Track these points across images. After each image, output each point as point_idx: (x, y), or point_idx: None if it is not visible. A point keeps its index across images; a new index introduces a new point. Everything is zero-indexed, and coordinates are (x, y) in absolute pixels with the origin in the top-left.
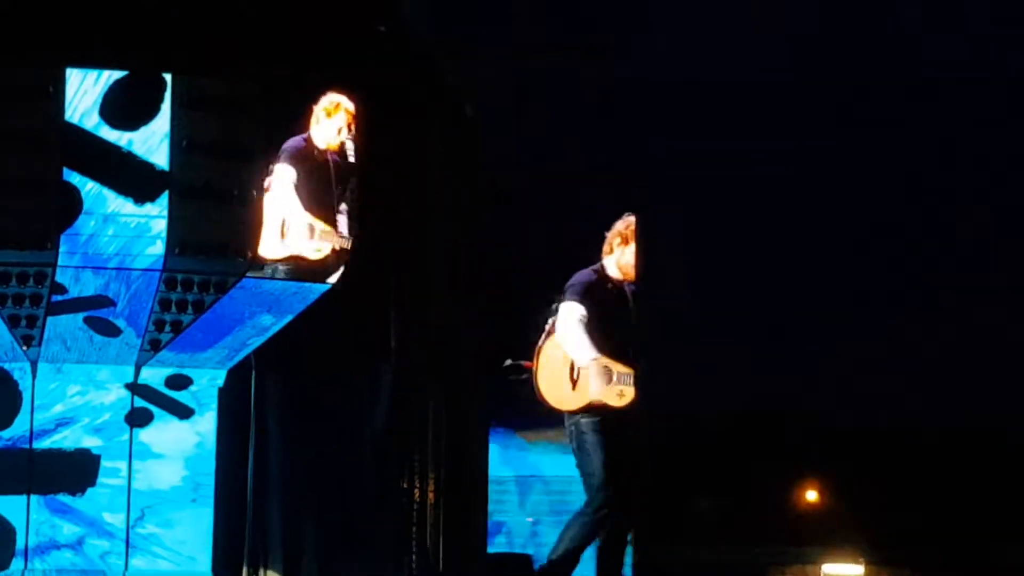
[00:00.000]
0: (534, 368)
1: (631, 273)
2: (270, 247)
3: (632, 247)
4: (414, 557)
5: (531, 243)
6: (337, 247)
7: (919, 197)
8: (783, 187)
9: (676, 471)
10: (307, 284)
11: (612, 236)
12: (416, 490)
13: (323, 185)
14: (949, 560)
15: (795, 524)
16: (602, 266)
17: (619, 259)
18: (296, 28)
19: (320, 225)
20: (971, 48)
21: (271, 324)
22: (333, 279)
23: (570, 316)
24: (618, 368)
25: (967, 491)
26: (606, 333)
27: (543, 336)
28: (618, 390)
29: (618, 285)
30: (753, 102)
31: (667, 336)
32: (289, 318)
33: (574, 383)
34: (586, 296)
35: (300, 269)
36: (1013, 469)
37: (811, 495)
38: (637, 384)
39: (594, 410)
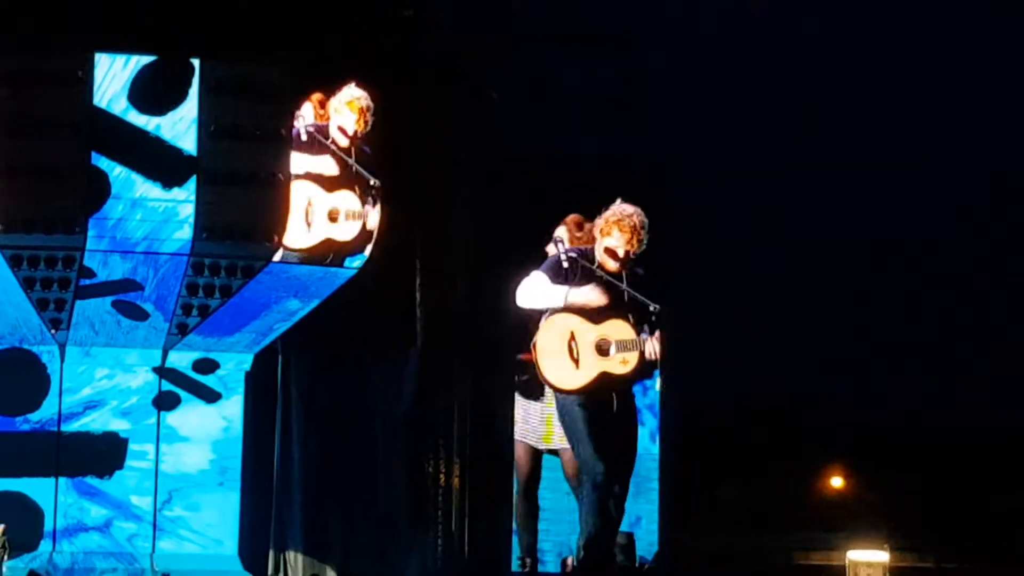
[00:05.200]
0: (533, 359)
1: (611, 259)
2: (297, 236)
3: (615, 234)
4: (439, 540)
5: (550, 229)
6: (364, 223)
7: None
8: (812, 187)
9: (706, 460)
10: (333, 269)
11: (599, 225)
12: (442, 474)
13: (343, 172)
14: (973, 548)
15: (821, 511)
16: (584, 251)
17: (603, 245)
18: (321, 13)
19: (345, 207)
20: None
21: (298, 308)
22: (358, 263)
23: (532, 280)
24: (616, 337)
25: (991, 481)
26: (593, 314)
27: (538, 328)
28: (620, 358)
29: (603, 269)
30: (776, 100)
31: (699, 331)
32: (316, 302)
33: (576, 361)
34: (554, 272)
35: (328, 252)
36: None
37: (837, 483)
38: (638, 347)
39: (600, 385)
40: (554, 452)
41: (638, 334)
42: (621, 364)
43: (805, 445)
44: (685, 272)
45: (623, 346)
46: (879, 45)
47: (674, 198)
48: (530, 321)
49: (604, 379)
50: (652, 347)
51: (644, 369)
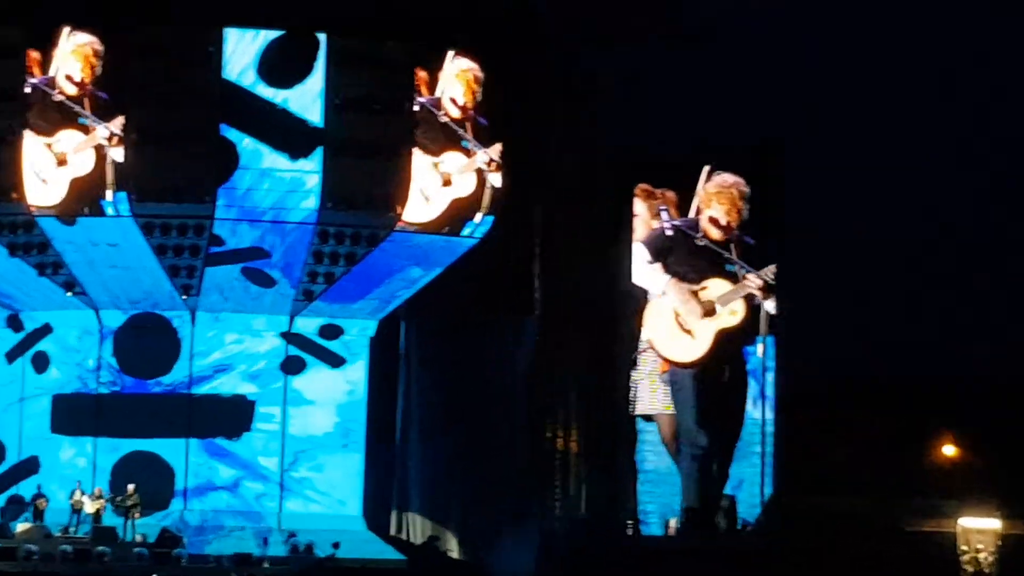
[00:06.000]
0: (649, 345)
1: (715, 228)
2: (418, 211)
3: (715, 205)
4: (558, 504)
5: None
6: (481, 167)
7: None
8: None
9: (816, 424)
10: (455, 238)
11: (698, 196)
12: (559, 438)
13: (452, 137)
14: None
15: (932, 479)
16: (688, 221)
17: (706, 215)
18: None
19: (456, 166)
20: None
21: (420, 276)
22: (469, 230)
23: (635, 255)
24: (716, 295)
25: None
26: (697, 280)
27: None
28: (728, 311)
29: (707, 238)
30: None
31: (810, 299)
32: (437, 271)
33: (689, 333)
34: (656, 247)
35: (448, 220)
36: None
37: (948, 451)
38: (740, 293)
39: (720, 347)
40: (648, 417)
41: (735, 283)
42: (731, 316)
43: (917, 413)
44: (800, 243)
45: (726, 299)
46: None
47: (789, 174)
48: (645, 295)
49: (722, 338)
50: (754, 284)
51: (754, 312)
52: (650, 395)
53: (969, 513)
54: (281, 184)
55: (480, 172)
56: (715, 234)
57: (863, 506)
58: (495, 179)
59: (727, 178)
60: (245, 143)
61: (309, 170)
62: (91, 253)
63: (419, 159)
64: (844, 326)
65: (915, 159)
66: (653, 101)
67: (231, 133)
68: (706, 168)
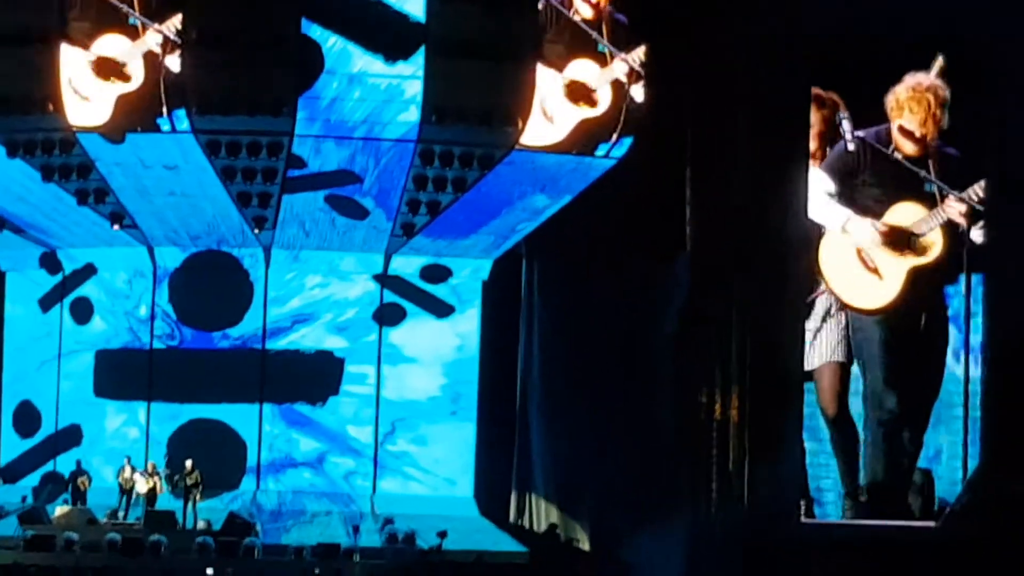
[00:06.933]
0: (826, 287)
1: (909, 141)
2: (539, 133)
3: (907, 113)
4: (714, 485)
5: (853, 114)
6: (620, 77)
7: None
8: None
9: None
10: (587, 159)
11: (890, 102)
12: (717, 405)
13: (582, 41)
14: None
15: None
16: (878, 132)
17: (897, 125)
18: None
19: (587, 79)
20: None
21: (546, 206)
22: (605, 150)
23: (813, 183)
24: (907, 224)
25: None
26: (886, 204)
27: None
28: (921, 246)
29: (899, 152)
30: None
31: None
32: (567, 199)
33: (876, 272)
34: (841, 171)
35: (578, 139)
36: None
37: None
38: (937, 219)
39: (914, 289)
40: (806, 376)
41: (931, 208)
42: (926, 251)
43: None
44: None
45: (921, 227)
46: None
47: (1008, 73)
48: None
49: (916, 278)
50: (956, 208)
51: (956, 244)
52: (823, 347)
53: None
54: (375, 93)
55: (618, 83)
56: (909, 148)
57: None
58: (636, 92)
59: (922, 79)
60: (331, 43)
61: (409, 75)
62: (143, 177)
63: (543, 67)
64: None
65: None
66: None
67: (314, 31)
68: (939, 59)
